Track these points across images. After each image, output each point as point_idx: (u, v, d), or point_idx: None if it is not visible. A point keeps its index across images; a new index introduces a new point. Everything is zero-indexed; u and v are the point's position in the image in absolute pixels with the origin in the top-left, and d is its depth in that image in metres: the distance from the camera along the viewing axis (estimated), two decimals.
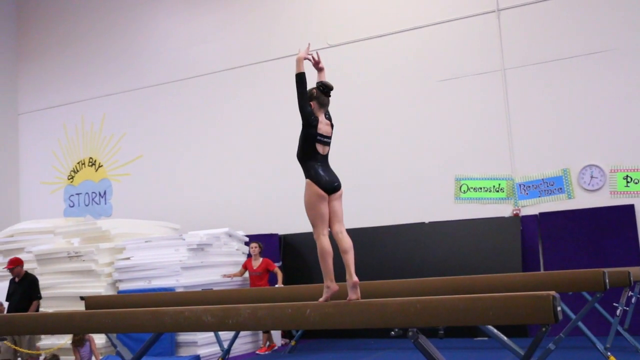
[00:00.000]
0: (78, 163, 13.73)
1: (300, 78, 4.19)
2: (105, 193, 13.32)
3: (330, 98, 4.29)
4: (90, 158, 13.58)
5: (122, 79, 13.22)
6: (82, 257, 9.46)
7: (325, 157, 4.21)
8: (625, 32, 9.36)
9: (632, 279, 6.32)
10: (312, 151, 4.12)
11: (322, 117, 4.21)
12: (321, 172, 4.08)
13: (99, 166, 13.44)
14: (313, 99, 4.23)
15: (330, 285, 3.95)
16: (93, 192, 13.46)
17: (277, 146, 11.41)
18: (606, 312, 7.86)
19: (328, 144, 4.24)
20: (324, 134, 4.16)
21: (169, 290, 8.61)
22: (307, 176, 4.08)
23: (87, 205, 13.49)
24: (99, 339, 8.39)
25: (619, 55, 9.34)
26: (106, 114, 13.37)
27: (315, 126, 4.10)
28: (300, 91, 4.14)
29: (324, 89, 4.27)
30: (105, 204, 13.28)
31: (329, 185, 4.05)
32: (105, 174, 13.35)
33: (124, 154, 13.11)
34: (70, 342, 8.17)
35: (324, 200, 4.06)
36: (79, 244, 9.91)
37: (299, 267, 10.61)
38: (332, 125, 4.30)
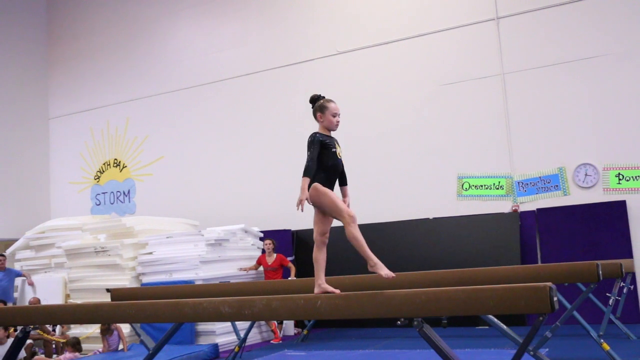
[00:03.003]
0: (104, 164, 13.79)
1: (310, 172, 3.95)
2: (129, 192, 13.37)
3: None
4: (115, 159, 13.63)
5: (145, 85, 13.27)
6: (107, 252, 9.50)
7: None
8: (617, 38, 9.29)
9: (623, 270, 6.30)
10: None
11: (325, 130, 4.13)
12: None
13: (123, 167, 13.49)
14: (323, 109, 4.12)
15: (320, 283, 3.95)
16: (118, 191, 13.52)
17: (290, 148, 11.42)
18: (599, 302, 7.83)
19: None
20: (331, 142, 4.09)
21: (189, 282, 8.63)
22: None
23: (112, 204, 13.54)
24: (124, 329, 8.42)
25: (612, 61, 9.28)
26: (130, 118, 13.42)
27: (330, 145, 4.05)
28: (315, 160, 3.98)
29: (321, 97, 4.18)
30: (129, 202, 13.33)
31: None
32: (129, 174, 13.40)
33: (146, 155, 13.16)
34: (98, 330, 8.22)
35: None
36: (105, 240, 9.95)
37: (311, 261, 10.50)
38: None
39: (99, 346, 8.34)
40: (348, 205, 4.09)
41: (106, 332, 7.98)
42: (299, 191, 3.89)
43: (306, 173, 3.93)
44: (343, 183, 4.33)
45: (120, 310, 4.70)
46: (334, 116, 4.14)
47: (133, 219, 10.57)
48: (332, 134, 4.18)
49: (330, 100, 4.17)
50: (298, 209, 3.87)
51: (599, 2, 9.44)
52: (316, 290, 3.93)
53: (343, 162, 4.21)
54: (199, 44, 12.77)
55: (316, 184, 3.97)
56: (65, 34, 14.59)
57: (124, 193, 13.44)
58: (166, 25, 13.25)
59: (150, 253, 9.43)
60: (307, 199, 3.88)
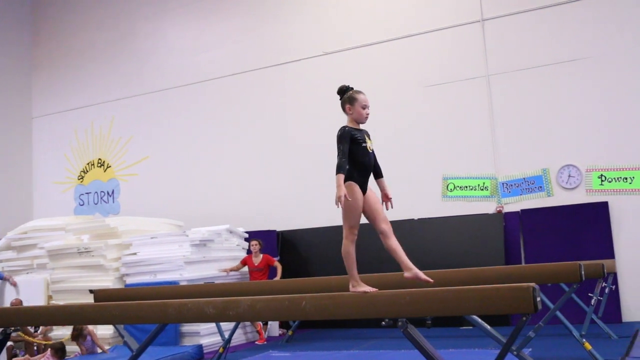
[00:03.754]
0: (88, 164, 13.69)
1: (344, 169, 3.92)
2: (113, 192, 13.29)
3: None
4: (100, 159, 13.54)
5: (130, 85, 13.19)
6: (91, 253, 9.43)
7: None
8: (599, 41, 9.38)
9: (605, 270, 6.37)
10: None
11: (354, 122, 4.04)
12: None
13: (108, 167, 13.41)
14: (352, 101, 4.04)
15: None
16: (102, 191, 13.43)
17: (275, 148, 11.44)
18: (582, 302, 7.89)
19: None
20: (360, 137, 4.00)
21: (173, 283, 8.58)
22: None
23: (96, 204, 13.45)
24: (107, 330, 8.37)
25: (595, 63, 9.37)
26: (115, 118, 13.34)
27: (361, 140, 3.98)
28: (345, 155, 3.94)
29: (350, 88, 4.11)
30: (114, 202, 13.25)
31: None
32: (114, 174, 13.32)
33: (131, 155, 13.08)
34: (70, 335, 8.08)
35: None
36: (88, 240, 9.87)
37: (296, 261, 10.62)
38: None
39: (76, 348, 8.23)
40: (386, 201, 4.13)
41: (78, 337, 7.82)
42: (335, 189, 3.81)
43: (339, 170, 3.85)
44: (379, 176, 4.24)
45: (104, 312, 4.67)
46: (364, 108, 4.03)
47: (117, 220, 10.51)
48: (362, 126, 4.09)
49: (360, 92, 4.07)
50: (338, 207, 3.79)
51: (582, 5, 9.53)
52: (407, 274, 3.84)
53: (375, 153, 4.12)
54: (184, 44, 12.73)
55: (353, 184, 3.91)
56: (50, 33, 14.48)
57: (108, 193, 13.35)
58: (151, 25, 13.19)
59: (135, 254, 9.37)
60: (345, 195, 3.79)
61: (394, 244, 3.95)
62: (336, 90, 4.17)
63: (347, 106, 4.05)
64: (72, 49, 14.07)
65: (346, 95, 4.08)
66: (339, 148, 3.92)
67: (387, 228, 3.92)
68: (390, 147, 10.52)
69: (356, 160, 3.95)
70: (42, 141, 14.31)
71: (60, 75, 14.17)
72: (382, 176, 4.25)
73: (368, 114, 4.06)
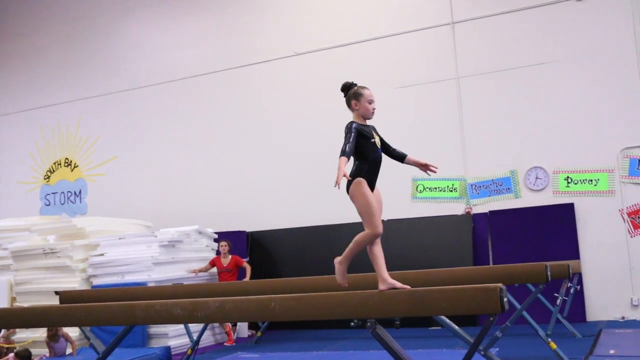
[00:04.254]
0: (54, 163, 13.48)
1: (349, 154, 3.79)
2: (80, 192, 13.10)
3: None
4: (66, 159, 13.34)
5: (97, 84, 13.01)
6: (57, 254, 9.28)
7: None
8: (566, 45, 9.53)
9: (570, 271, 6.48)
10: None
11: (360, 118, 3.96)
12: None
13: (75, 166, 13.21)
14: (357, 97, 3.97)
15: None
16: (69, 192, 13.23)
17: (245, 147, 11.39)
18: (548, 302, 8.01)
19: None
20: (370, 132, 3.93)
21: (141, 284, 8.49)
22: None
23: (62, 204, 13.25)
24: (73, 332, 8.23)
25: (561, 67, 9.52)
26: (82, 117, 13.15)
27: (369, 135, 3.90)
28: (353, 144, 3.81)
29: (354, 84, 4.04)
30: (81, 202, 13.06)
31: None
32: (81, 174, 13.13)
33: (98, 155, 12.91)
34: (45, 335, 7.99)
35: None
36: (54, 241, 9.72)
37: (266, 262, 10.59)
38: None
39: (45, 351, 8.10)
40: (426, 168, 4.15)
41: (52, 338, 7.71)
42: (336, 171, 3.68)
43: (343, 153, 3.72)
44: (402, 156, 4.25)
45: (69, 314, 4.60)
46: (370, 103, 3.97)
47: (84, 220, 10.37)
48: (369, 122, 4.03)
49: (365, 87, 4.01)
50: (335, 187, 3.68)
51: (550, 10, 9.67)
52: (382, 286, 3.67)
53: (388, 142, 4.11)
54: (153, 43, 12.60)
55: (362, 180, 3.82)
56: (15, 30, 14.19)
57: (75, 193, 13.16)
58: (120, 23, 13.03)
59: (102, 254, 9.25)
60: (345, 176, 3.66)
61: (379, 251, 3.88)
62: (340, 87, 4.10)
63: (353, 102, 3.98)
64: (37, 46, 13.82)
65: (351, 91, 4.02)
66: (346, 138, 3.82)
67: (380, 233, 3.85)
68: None
69: (366, 156, 3.89)
70: (7, 140, 14.03)
71: (25, 73, 13.91)
72: (405, 155, 4.25)
73: (374, 109, 4.01)
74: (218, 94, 11.82)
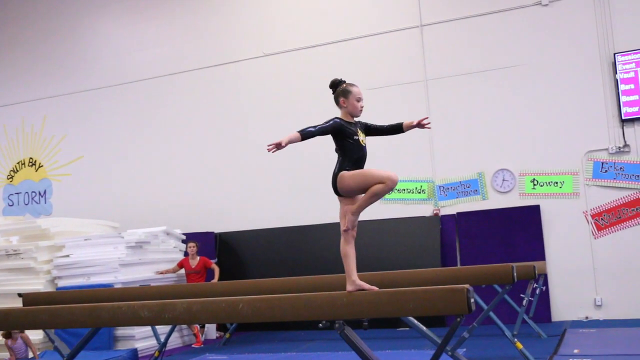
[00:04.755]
0: (18, 163, 13.22)
1: (306, 135, 3.75)
2: (45, 192, 12.87)
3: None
4: (31, 158, 13.10)
5: (63, 82, 12.80)
6: (20, 255, 9.12)
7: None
8: (532, 49, 9.67)
9: (536, 272, 6.57)
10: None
11: (348, 116, 3.93)
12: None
13: (39, 166, 12.98)
14: (346, 94, 3.96)
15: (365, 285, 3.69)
16: (33, 192, 12.99)
17: (213, 148, 11.32)
18: (514, 303, 8.11)
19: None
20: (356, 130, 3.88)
21: (108, 286, 8.38)
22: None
23: (26, 205, 13.00)
24: (37, 335, 8.09)
25: (527, 71, 9.65)
26: (47, 116, 12.93)
27: (352, 133, 3.86)
28: (318, 130, 3.81)
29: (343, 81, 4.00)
30: (45, 203, 12.83)
31: None
32: (46, 174, 12.91)
33: (64, 154, 12.70)
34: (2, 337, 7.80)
35: None
36: (17, 242, 9.54)
37: (234, 263, 10.54)
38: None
39: (4, 354, 7.93)
40: (421, 125, 4.01)
41: (8, 337, 7.53)
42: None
43: (301, 130, 3.70)
44: (399, 127, 4.20)
45: (32, 316, 4.52)
46: (358, 101, 3.95)
47: (49, 221, 10.21)
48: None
49: (353, 84, 3.98)
50: (270, 150, 3.60)
51: (517, 14, 9.80)
52: (350, 287, 3.65)
53: (377, 123, 4.08)
54: (120, 42, 12.44)
55: (343, 173, 3.78)
56: None
57: (39, 193, 12.93)
58: (87, 21, 12.84)
59: (67, 256, 9.12)
60: (282, 144, 3.59)
61: (352, 252, 3.87)
62: (329, 84, 4.09)
63: (341, 99, 3.96)
64: (0, 42, 13.55)
65: (340, 88, 4.00)
66: (321, 124, 3.82)
67: (354, 233, 3.84)
68: (330, 150, 10.56)
69: (350, 155, 3.87)
70: None
71: None
72: (401, 123, 4.22)
73: (362, 107, 4.01)
74: (186, 94, 11.72)
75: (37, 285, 8.89)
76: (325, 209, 10.27)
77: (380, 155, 10.23)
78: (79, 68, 12.71)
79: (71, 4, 12.98)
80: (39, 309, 4.68)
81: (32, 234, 9.63)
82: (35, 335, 8.15)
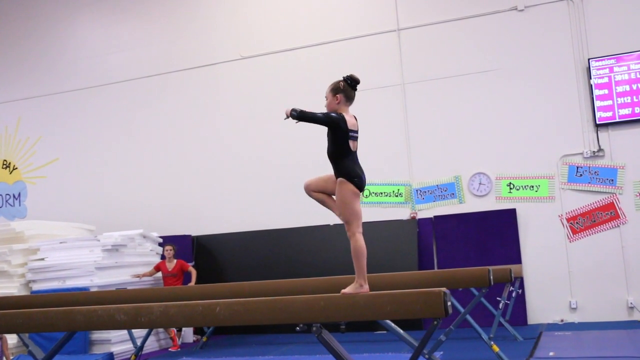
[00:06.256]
0: None
1: (300, 116, 3.86)
2: (19, 195, 12.70)
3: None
4: (5, 160, 12.92)
5: (38, 84, 12.65)
6: None
7: (355, 153, 3.93)
8: (509, 54, 9.78)
9: (512, 275, 6.64)
10: (345, 149, 3.85)
11: (348, 112, 3.93)
12: (356, 170, 3.87)
13: (14, 168, 12.81)
14: (340, 92, 3.93)
15: (363, 284, 3.66)
16: (7, 194, 12.82)
17: (190, 151, 11.27)
18: (491, 306, 8.18)
19: (357, 138, 3.93)
20: (353, 128, 3.86)
21: (83, 290, 8.31)
22: (340, 174, 3.86)
23: (0, 207, 12.82)
24: (11, 339, 7.98)
25: (505, 75, 9.75)
26: (22, 118, 12.77)
27: (345, 124, 3.82)
28: (312, 118, 3.88)
29: (352, 83, 3.93)
30: (20, 205, 12.67)
31: (362, 183, 3.89)
32: (20, 176, 12.74)
33: (39, 156, 12.55)
34: None
35: (357, 198, 3.89)
36: None
37: (211, 267, 10.50)
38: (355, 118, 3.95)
39: None
40: None
41: None
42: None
43: (300, 111, 3.85)
44: None
45: (5, 320, 4.46)
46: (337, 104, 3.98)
47: (23, 223, 10.10)
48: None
49: (354, 95, 4.00)
50: (285, 115, 3.86)
51: (493, 19, 9.90)
52: (351, 290, 3.67)
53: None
54: (97, 44, 12.33)
55: (352, 187, 3.86)
56: None
57: (13, 196, 12.76)
58: (63, 23, 12.71)
59: (42, 259, 9.02)
60: (287, 114, 3.84)
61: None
62: (346, 75, 4.03)
63: (340, 96, 3.96)
64: None
65: (348, 88, 3.98)
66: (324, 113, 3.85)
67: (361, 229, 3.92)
68: (307, 153, 10.58)
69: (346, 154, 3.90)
70: None
71: None
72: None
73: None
74: (162, 96, 11.66)
75: (11, 289, 8.78)
76: (302, 212, 10.28)
77: (358, 156, 10.28)
78: (54, 70, 12.58)
79: (47, 6, 12.84)
80: (13, 312, 4.62)
81: (5, 237, 9.51)
82: (9, 340, 8.04)
